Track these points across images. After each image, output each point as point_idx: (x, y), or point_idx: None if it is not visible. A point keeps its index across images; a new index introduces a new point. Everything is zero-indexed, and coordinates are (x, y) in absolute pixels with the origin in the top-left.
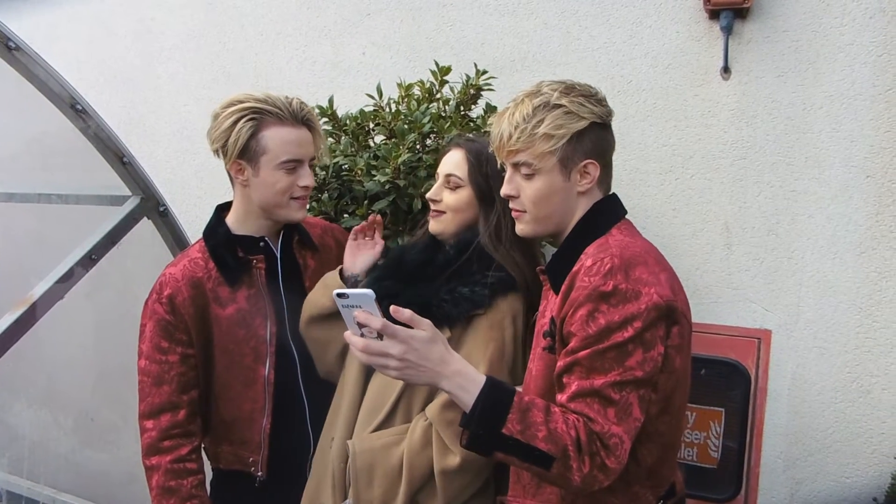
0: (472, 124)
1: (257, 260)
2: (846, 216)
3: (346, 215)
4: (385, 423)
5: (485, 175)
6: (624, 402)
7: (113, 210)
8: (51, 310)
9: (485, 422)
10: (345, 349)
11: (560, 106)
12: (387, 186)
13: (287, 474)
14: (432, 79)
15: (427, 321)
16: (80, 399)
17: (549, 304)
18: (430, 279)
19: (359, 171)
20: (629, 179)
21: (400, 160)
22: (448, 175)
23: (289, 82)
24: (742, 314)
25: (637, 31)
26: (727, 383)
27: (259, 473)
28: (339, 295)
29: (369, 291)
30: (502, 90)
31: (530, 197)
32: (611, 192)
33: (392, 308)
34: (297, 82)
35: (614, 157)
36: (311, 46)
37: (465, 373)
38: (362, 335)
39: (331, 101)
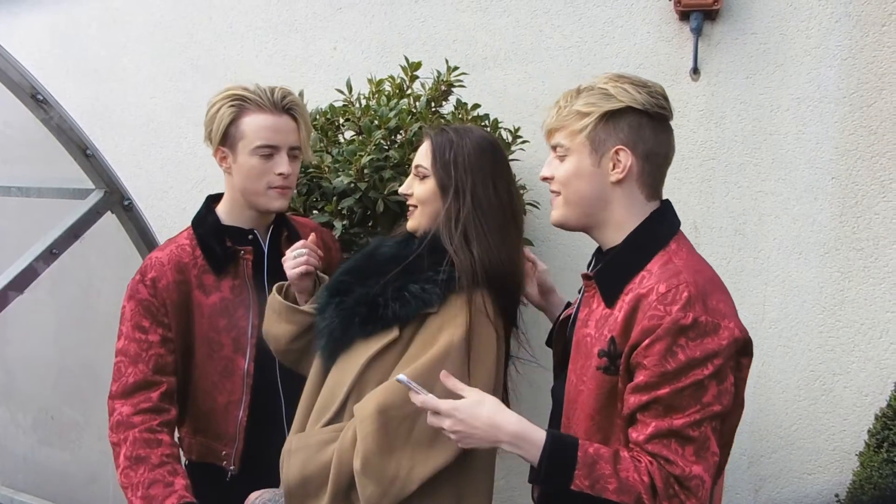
0: (442, 121)
1: (245, 251)
2: (811, 217)
3: (315, 211)
4: (334, 420)
5: (446, 163)
6: (702, 438)
7: (75, 204)
8: (10, 305)
9: (552, 481)
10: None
11: (601, 88)
12: (351, 185)
13: (258, 470)
14: (403, 74)
15: (473, 388)
16: (40, 397)
17: (595, 315)
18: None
19: (326, 168)
20: None
21: (362, 162)
22: (416, 166)
23: (258, 76)
24: None
25: (608, 30)
26: None
27: (231, 467)
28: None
29: (401, 376)
30: (473, 87)
31: (561, 178)
32: (664, 199)
33: (442, 374)
34: (267, 76)
35: None
36: (280, 40)
37: (522, 435)
38: None
39: (300, 95)
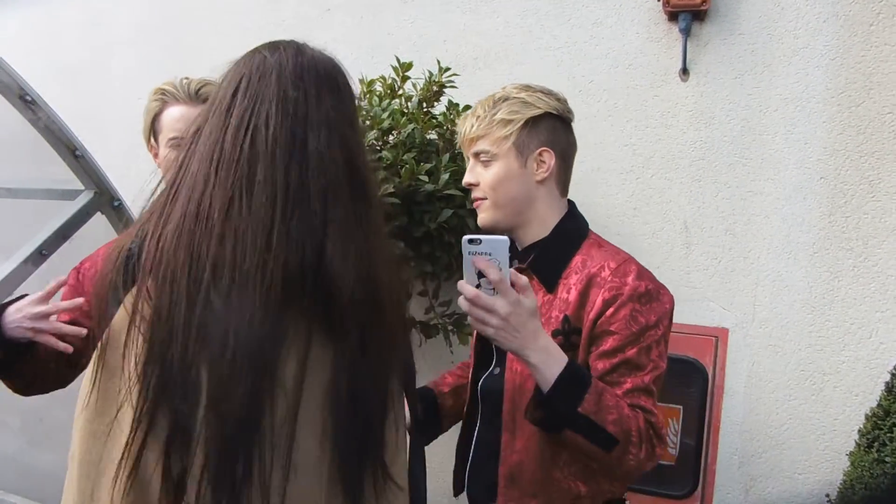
0: (434, 121)
1: None
2: (800, 217)
3: None
4: None
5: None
6: (656, 394)
7: (65, 205)
8: None
9: (565, 398)
10: None
11: (518, 98)
12: None
13: None
14: (394, 75)
15: (533, 294)
16: (29, 399)
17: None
18: None
19: None
20: (590, 179)
21: None
22: None
23: None
24: (700, 313)
25: (597, 31)
26: (685, 381)
27: None
28: (470, 241)
29: (504, 238)
30: (465, 87)
31: (489, 182)
32: (569, 198)
33: (512, 271)
34: None
35: (576, 157)
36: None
37: (550, 350)
38: (478, 286)
39: None
